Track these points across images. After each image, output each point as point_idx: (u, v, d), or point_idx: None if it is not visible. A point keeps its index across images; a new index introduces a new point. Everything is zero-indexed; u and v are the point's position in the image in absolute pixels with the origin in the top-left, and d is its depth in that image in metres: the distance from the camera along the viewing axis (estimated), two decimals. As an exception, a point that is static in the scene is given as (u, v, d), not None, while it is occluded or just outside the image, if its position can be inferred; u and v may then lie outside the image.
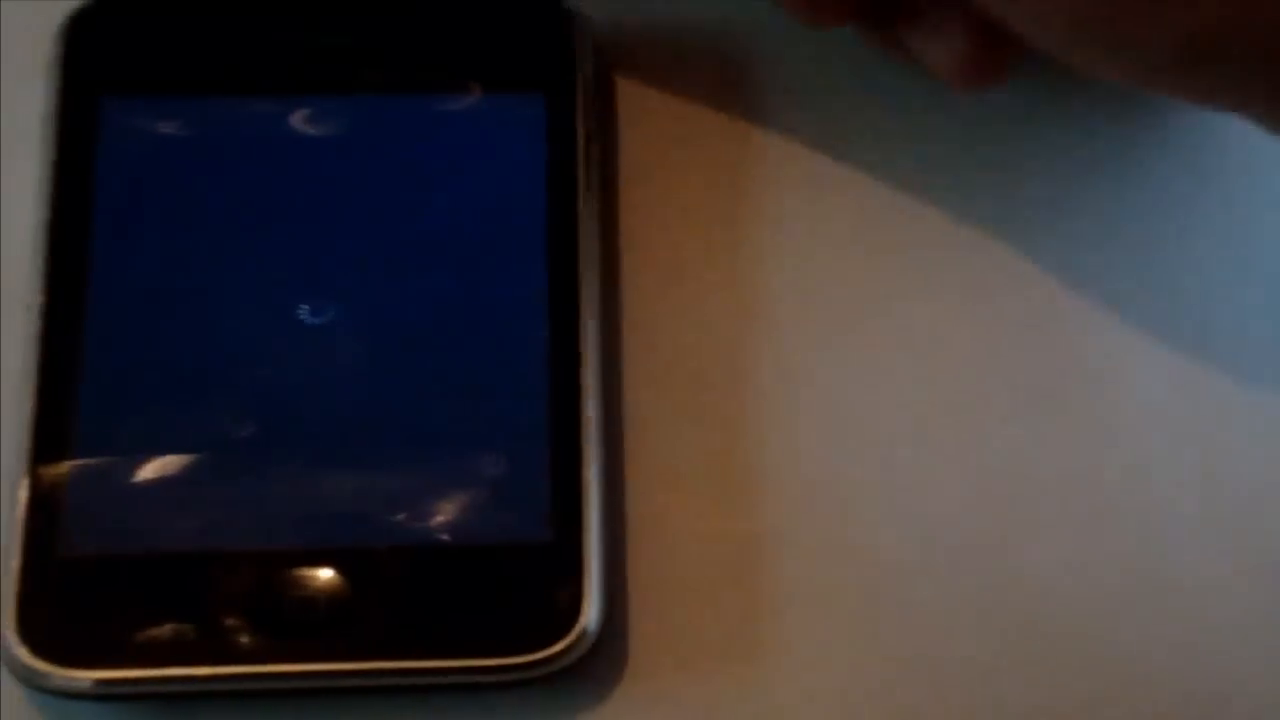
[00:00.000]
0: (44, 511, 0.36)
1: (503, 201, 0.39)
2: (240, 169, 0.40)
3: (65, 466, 0.37)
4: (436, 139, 0.40)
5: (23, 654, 0.35)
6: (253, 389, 0.38)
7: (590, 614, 0.36)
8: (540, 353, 0.38)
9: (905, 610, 0.37)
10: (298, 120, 0.40)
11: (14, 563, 0.36)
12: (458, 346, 0.38)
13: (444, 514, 0.37)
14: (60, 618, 0.36)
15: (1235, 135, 0.41)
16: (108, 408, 0.37)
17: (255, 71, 0.40)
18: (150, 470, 0.37)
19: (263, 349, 0.38)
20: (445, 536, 0.36)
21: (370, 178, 0.39)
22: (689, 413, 0.39)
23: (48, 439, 0.37)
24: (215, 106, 0.40)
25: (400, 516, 0.37)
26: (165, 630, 0.36)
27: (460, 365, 0.38)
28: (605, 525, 0.37)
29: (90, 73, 0.40)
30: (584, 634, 0.36)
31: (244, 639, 0.36)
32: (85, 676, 0.35)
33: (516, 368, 0.38)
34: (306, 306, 0.38)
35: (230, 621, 0.36)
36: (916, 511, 0.38)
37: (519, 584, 0.36)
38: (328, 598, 0.36)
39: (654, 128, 0.41)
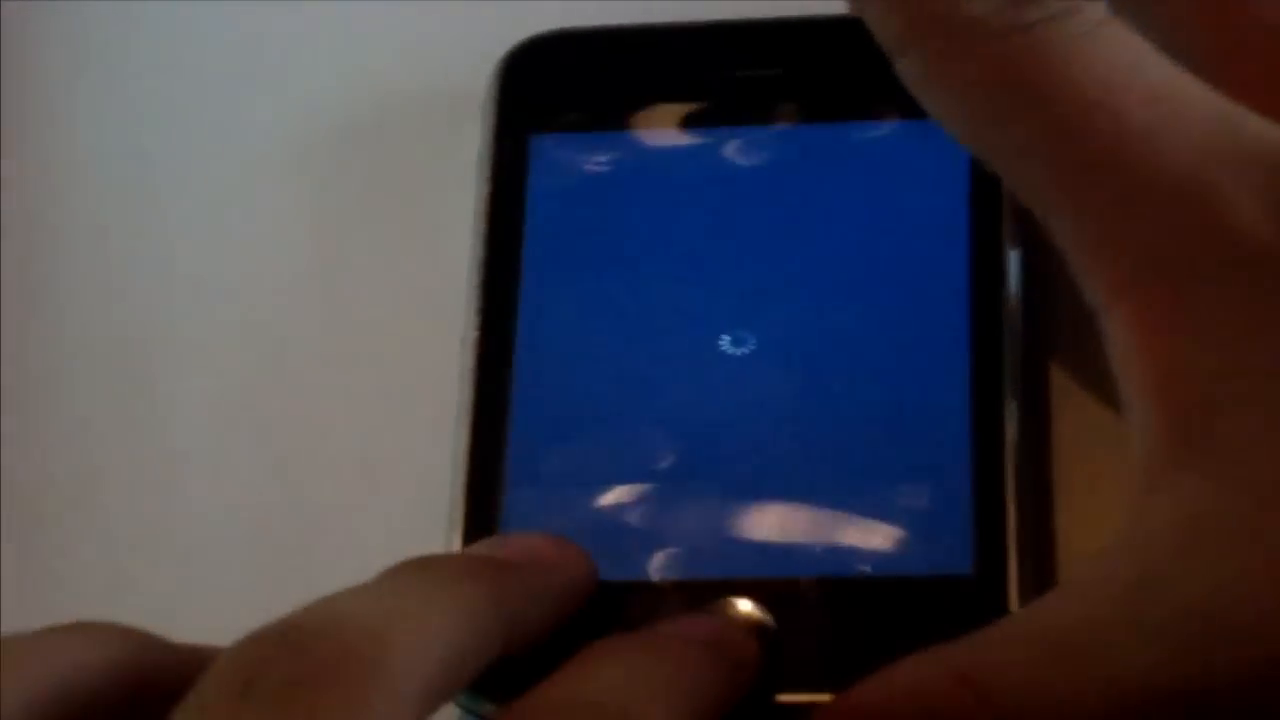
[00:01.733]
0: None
1: (923, 229, 0.39)
2: (663, 200, 0.40)
3: (498, 498, 0.38)
4: (857, 167, 0.39)
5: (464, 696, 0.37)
6: (675, 420, 0.38)
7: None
8: (961, 381, 0.37)
9: None
10: (720, 152, 0.40)
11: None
12: (877, 376, 0.38)
13: (865, 546, 0.36)
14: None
15: None
16: (537, 440, 0.38)
17: (679, 105, 0.41)
18: (578, 502, 0.38)
19: (685, 380, 0.38)
20: (866, 568, 0.36)
21: (791, 207, 0.40)
22: (1122, 441, 0.38)
23: (481, 472, 0.38)
24: (640, 140, 0.41)
25: (820, 548, 0.36)
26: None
27: (880, 395, 0.38)
28: (1030, 558, 0.36)
29: (522, 111, 0.41)
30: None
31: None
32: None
33: (937, 397, 0.37)
34: (728, 337, 0.39)
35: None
36: None
37: (941, 618, 0.35)
38: (750, 629, 0.36)
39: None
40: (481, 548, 0.36)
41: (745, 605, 0.36)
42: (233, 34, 0.44)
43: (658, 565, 0.37)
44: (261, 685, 0.28)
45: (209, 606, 0.40)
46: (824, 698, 0.35)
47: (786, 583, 0.36)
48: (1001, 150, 0.34)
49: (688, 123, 0.41)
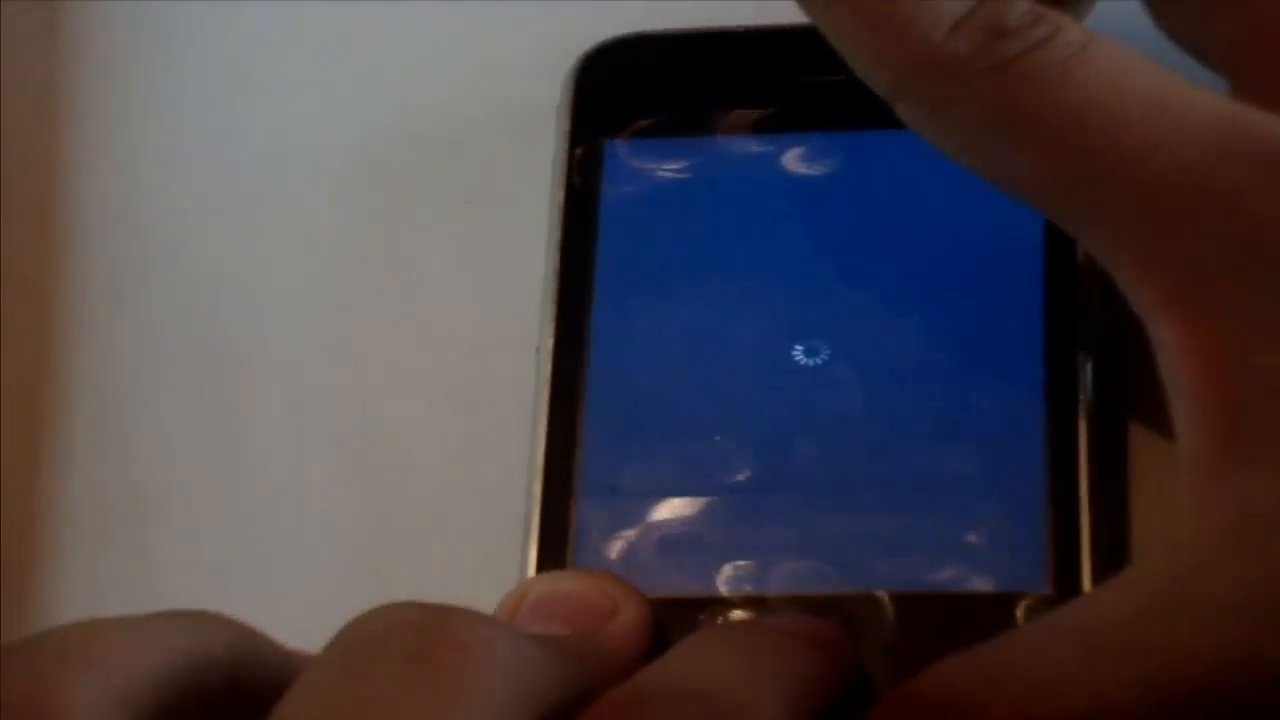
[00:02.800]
0: (552, 553, 0.38)
1: (998, 238, 0.38)
2: (738, 207, 0.40)
3: (571, 508, 0.38)
4: (932, 174, 0.39)
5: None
6: (747, 431, 0.38)
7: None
8: (1036, 396, 0.37)
9: None
10: (794, 158, 0.40)
11: (527, 605, 0.37)
12: (951, 388, 0.37)
13: (938, 561, 0.36)
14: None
15: None
16: (611, 450, 0.38)
17: (755, 109, 0.41)
18: (650, 513, 0.38)
19: (758, 390, 0.38)
20: (939, 584, 0.36)
21: (866, 214, 0.39)
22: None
23: (555, 481, 0.38)
24: (715, 145, 0.41)
25: (893, 562, 0.36)
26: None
27: (953, 408, 0.37)
28: (1104, 574, 0.35)
29: (596, 116, 0.41)
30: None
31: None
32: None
33: (1011, 411, 0.37)
34: (801, 348, 0.38)
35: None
36: None
37: (1015, 634, 0.35)
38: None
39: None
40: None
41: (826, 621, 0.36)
42: (308, 43, 0.45)
43: (728, 578, 0.37)
44: (397, 642, 0.28)
45: (288, 614, 0.40)
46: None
47: (858, 598, 0.36)
48: (1016, 181, 0.34)
49: (763, 127, 0.41)
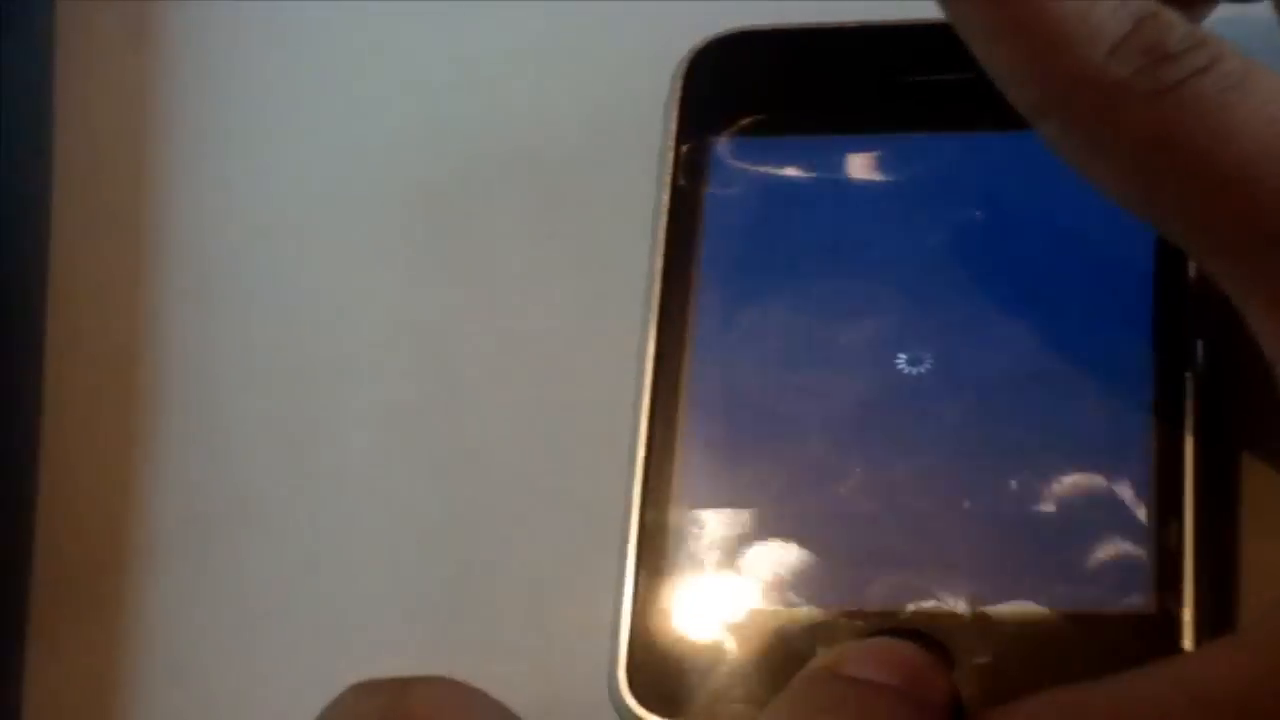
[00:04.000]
0: (649, 563, 0.37)
1: (1106, 245, 0.37)
2: (844, 208, 0.39)
3: (670, 516, 0.38)
4: (1041, 178, 0.38)
5: (633, 705, 0.36)
6: (851, 441, 0.37)
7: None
8: (1143, 412, 0.36)
9: None
10: (904, 158, 0.39)
11: (623, 615, 0.37)
12: (1054, 398, 0.37)
13: (1040, 578, 0.36)
14: (664, 670, 0.37)
15: None
16: (710, 458, 0.38)
17: (863, 107, 0.40)
18: (749, 524, 0.37)
19: (861, 398, 0.38)
20: (1042, 603, 0.35)
21: (973, 218, 0.39)
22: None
23: (654, 490, 0.38)
24: (822, 145, 0.40)
25: (996, 580, 0.36)
26: (765, 688, 0.36)
27: (1057, 419, 0.37)
28: (1210, 595, 0.35)
29: (703, 113, 0.41)
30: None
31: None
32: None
33: (1117, 427, 0.36)
34: (904, 355, 0.38)
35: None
36: None
37: (1117, 655, 0.34)
38: (936, 665, 0.36)
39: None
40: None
41: (922, 639, 0.35)
42: (402, 48, 0.45)
43: (826, 591, 0.36)
44: None
45: (374, 621, 0.40)
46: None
47: (958, 615, 0.36)
48: (1155, 211, 0.33)
49: (872, 127, 0.40)
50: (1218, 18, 0.36)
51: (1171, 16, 0.32)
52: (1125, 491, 0.36)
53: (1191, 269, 0.37)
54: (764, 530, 0.37)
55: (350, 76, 0.45)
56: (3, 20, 0.42)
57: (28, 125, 0.44)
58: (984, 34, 0.33)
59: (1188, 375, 0.36)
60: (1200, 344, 0.36)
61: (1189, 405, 0.36)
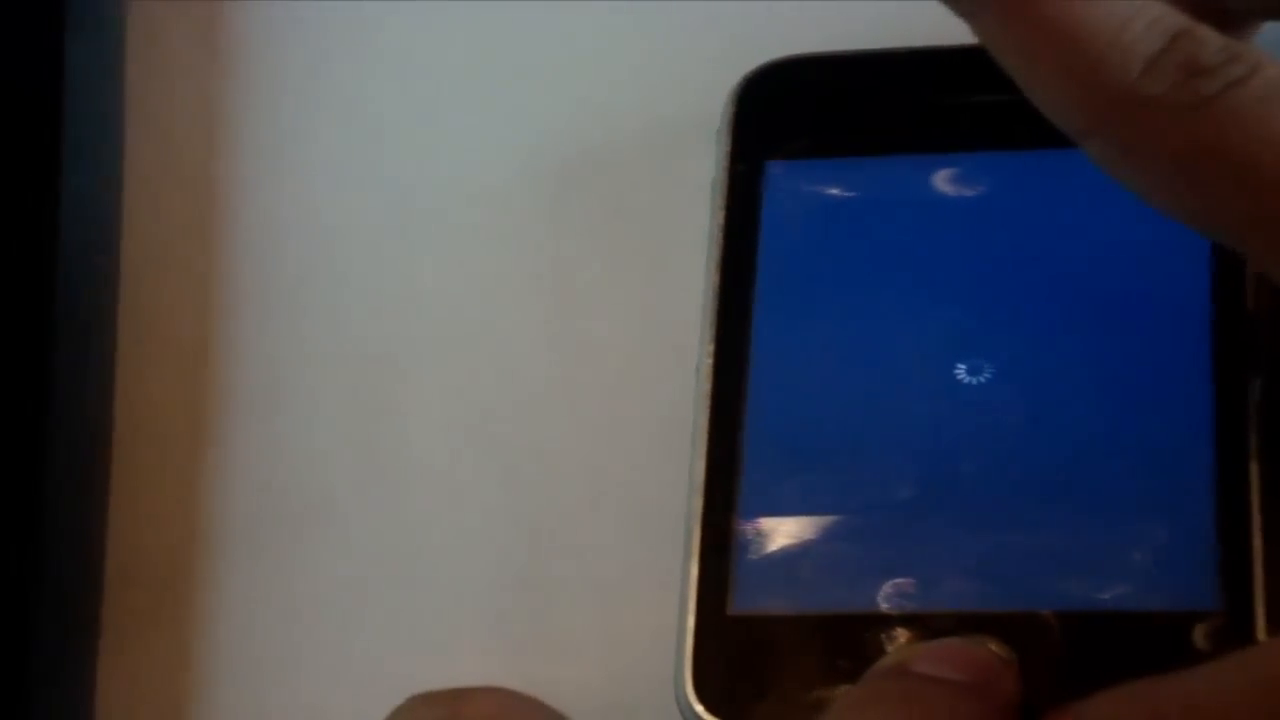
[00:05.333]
0: (713, 569, 0.38)
1: (1163, 256, 0.38)
2: (898, 227, 0.40)
3: (732, 524, 0.38)
4: (1095, 194, 0.39)
5: (699, 710, 0.37)
6: (912, 449, 0.38)
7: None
8: (1203, 411, 0.37)
9: None
10: (957, 177, 0.40)
11: (688, 620, 0.37)
12: (1116, 405, 0.37)
13: (1107, 579, 0.36)
14: (730, 675, 0.37)
15: None
16: (771, 467, 0.38)
17: (916, 130, 0.41)
18: (814, 530, 0.38)
19: (921, 409, 0.38)
20: (1110, 602, 0.36)
21: (1028, 234, 0.39)
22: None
23: (716, 497, 0.38)
24: (876, 166, 0.41)
25: (1062, 580, 0.36)
26: (830, 691, 0.36)
27: (1119, 425, 0.37)
28: (1278, 593, 0.35)
29: (758, 136, 0.41)
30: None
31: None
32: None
33: (1178, 427, 0.37)
34: (963, 366, 0.38)
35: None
36: None
37: (1186, 654, 0.35)
38: (1007, 665, 0.36)
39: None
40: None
41: (990, 641, 0.36)
42: (470, 63, 0.45)
43: (891, 596, 0.37)
44: None
45: (441, 623, 0.40)
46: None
47: (1026, 616, 0.36)
48: (1206, 222, 0.33)
49: (924, 148, 0.40)
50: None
51: (1205, 32, 0.32)
52: (1191, 490, 0.36)
53: (1248, 266, 0.37)
54: (827, 535, 0.37)
55: (417, 90, 0.45)
56: (72, 22, 0.42)
57: (97, 126, 0.44)
58: (1018, 59, 0.34)
59: (1250, 372, 0.37)
60: (1263, 340, 0.37)
61: (1253, 405, 0.36)
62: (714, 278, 0.40)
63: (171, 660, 0.41)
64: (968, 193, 0.40)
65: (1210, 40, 0.32)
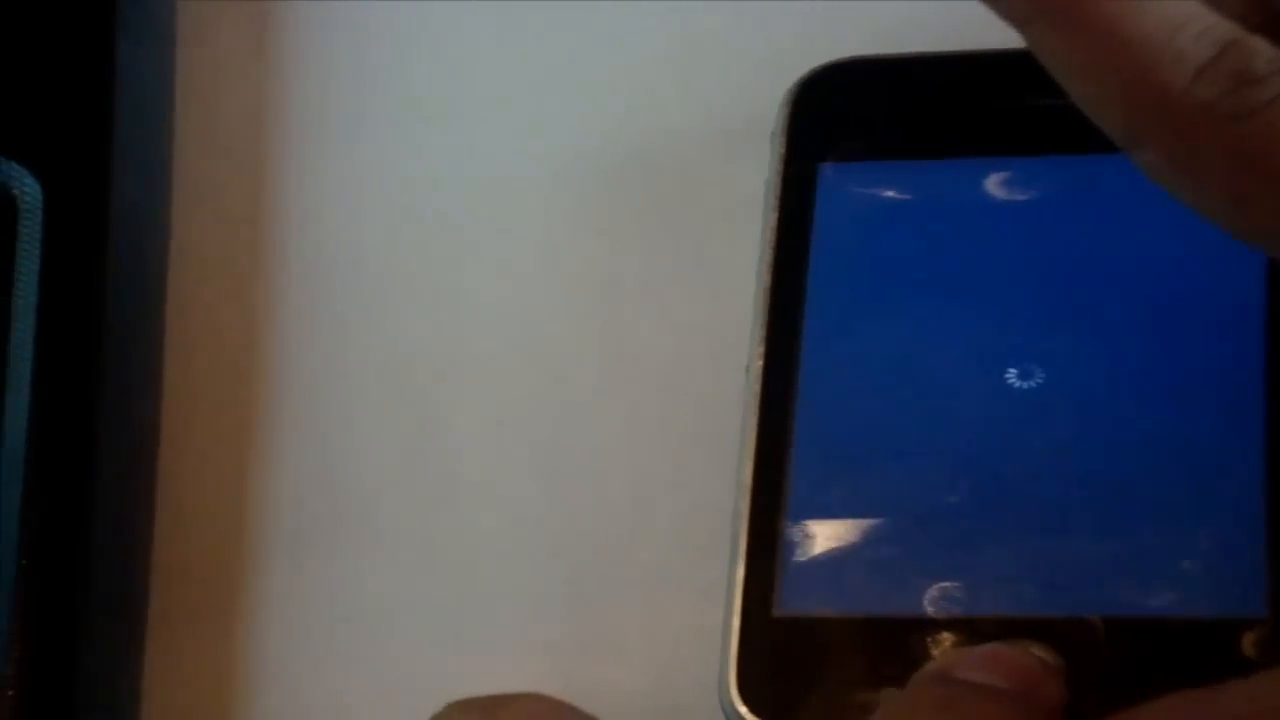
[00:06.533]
0: (760, 571, 0.37)
1: (1214, 261, 0.38)
2: (951, 231, 0.40)
3: (779, 526, 0.38)
4: (1147, 198, 0.38)
5: (744, 712, 0.37)
6: (961, 453, 0.38)
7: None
8: (1255, 418, 0.36)
9: None
10: (1008, 183, 0.40)
11: (734, 621, 0.37)
12: (1167, 411, 0.37)
13: (1156, 585, 0.35)
14: (774, 677, 0.37)
15: None
16: (819, 469, 0.38)
17: (970, 133, 0.40)
18: (861, 533, 0.37)
19: (970, 413, 0.38)
20: (1158, 609, 0.35)
21: (1080, 238, 0.39)
22: None
23: (764, 499, 0.38)
24: (929, 170, 0.40)
25: (1109, 587, 0.36)
26: (873, 695, 0.36)
27: (1170, 431, 0.37)
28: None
29: (812, 139, 0.41)
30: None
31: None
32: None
33: (1229, 434, 0.36)
34: (1014, 370, 0.38)
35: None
36: None
37: (1236, 662, 0.35)
38: (1052, 671, 0.36)
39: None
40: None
41: (1037, 646, 0.35)
42: (519, 64, 0.45)
43: (936, 600, 0.37)
44: None
45: (487, 625, 0.40)
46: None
47: (1073, 622, 0.36)
48: (1254, 231, 0.33)
49: (978, 151, 0.40)
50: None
51: (1257, 42, 0.32)
52: (1242, 497, 0.36)
53: None
54: (873, 538, 0.37)
55: (465, 92, 0.45)
56: (122, 22, 0.43)
57: (147, 128, 0.44)
58: (1068, 67, 0.33)
59: None
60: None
61: None
62: (766, 279, 0.40)
63: (216, 659, 0.41)
64: (1019, 197, 0.40)
65: (1262, 50, 0.32)
